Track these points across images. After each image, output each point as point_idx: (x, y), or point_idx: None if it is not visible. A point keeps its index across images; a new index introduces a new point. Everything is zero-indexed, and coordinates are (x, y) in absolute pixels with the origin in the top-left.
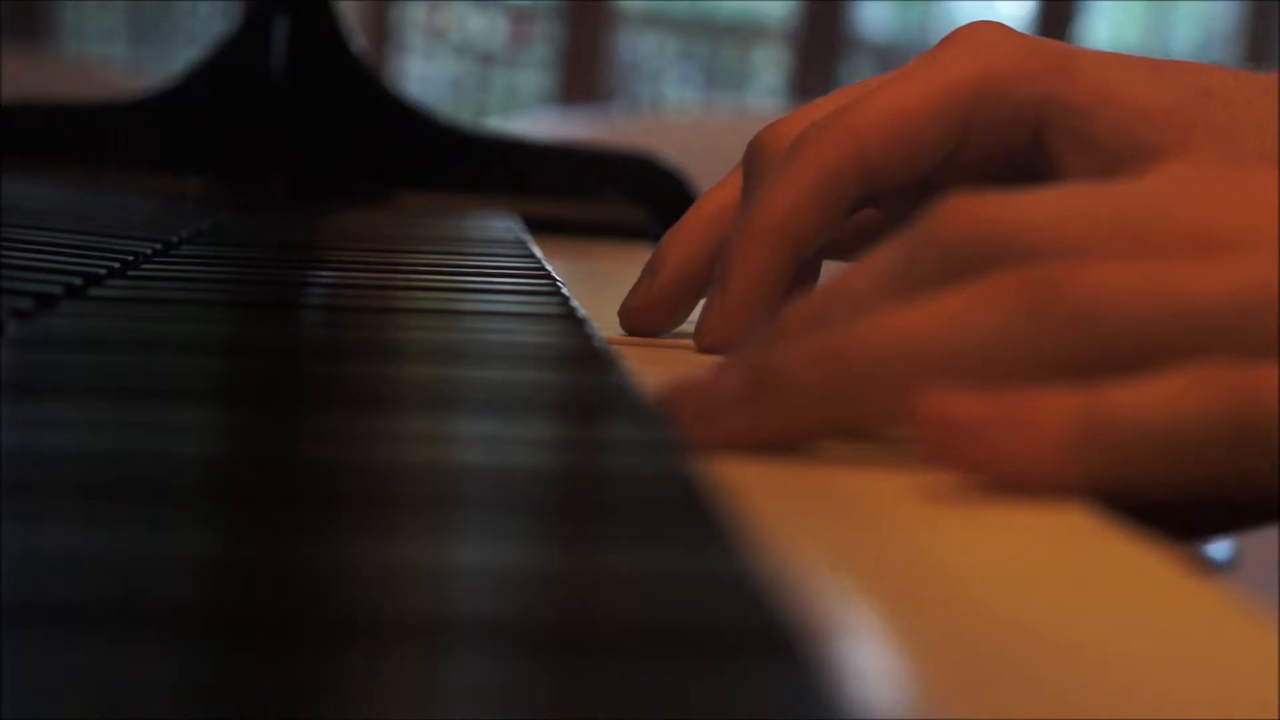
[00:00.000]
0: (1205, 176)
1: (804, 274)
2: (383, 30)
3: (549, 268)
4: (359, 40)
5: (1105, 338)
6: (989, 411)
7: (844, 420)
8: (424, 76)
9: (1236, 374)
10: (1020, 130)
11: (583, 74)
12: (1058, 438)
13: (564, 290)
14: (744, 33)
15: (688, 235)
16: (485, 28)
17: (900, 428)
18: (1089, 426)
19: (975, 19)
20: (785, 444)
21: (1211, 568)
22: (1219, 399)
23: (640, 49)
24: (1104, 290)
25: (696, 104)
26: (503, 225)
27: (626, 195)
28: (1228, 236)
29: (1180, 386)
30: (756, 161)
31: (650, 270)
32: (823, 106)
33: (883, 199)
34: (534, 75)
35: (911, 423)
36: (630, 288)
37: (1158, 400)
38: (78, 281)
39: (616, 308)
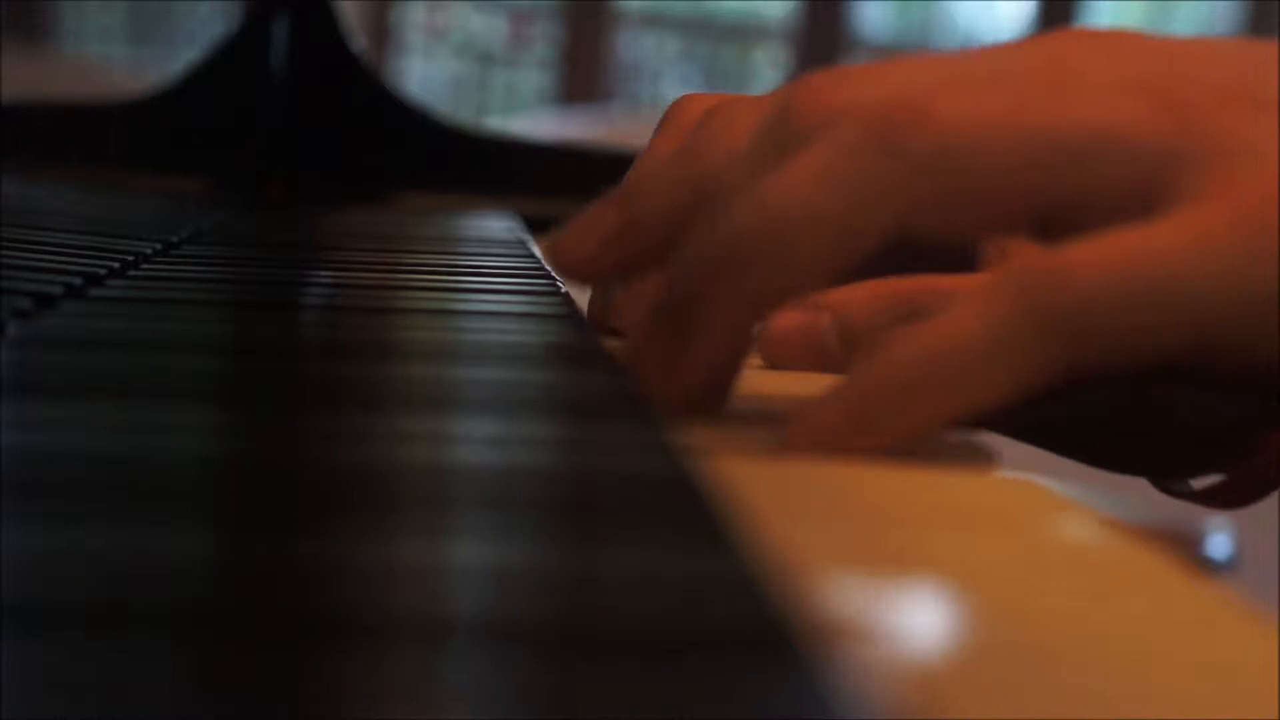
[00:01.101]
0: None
1: None
2: (383, 30)
3: (549, 268)
4: (359, 40)
5: (968, 172)
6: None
7: (748, 309)
8: (424, 76)
9: (1035, 263)
10: None
11: (583, 74)
12: (1007, 309)
13: (564, 290)
14: (744, 33)
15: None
16: (485, 28)
17: (793, 294)
18: (1035, 291)
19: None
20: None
21: (1211, 568)
22: (1015, 301)
23: (640, 49)
24: (963, 118)
25: None
26: (503, 225)
27: None
28: (1077, 70)
29: (979, 302)
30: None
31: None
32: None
33: None
34: (534, 75)
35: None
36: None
37: (961, 325)
38: (78, 281)
39: None
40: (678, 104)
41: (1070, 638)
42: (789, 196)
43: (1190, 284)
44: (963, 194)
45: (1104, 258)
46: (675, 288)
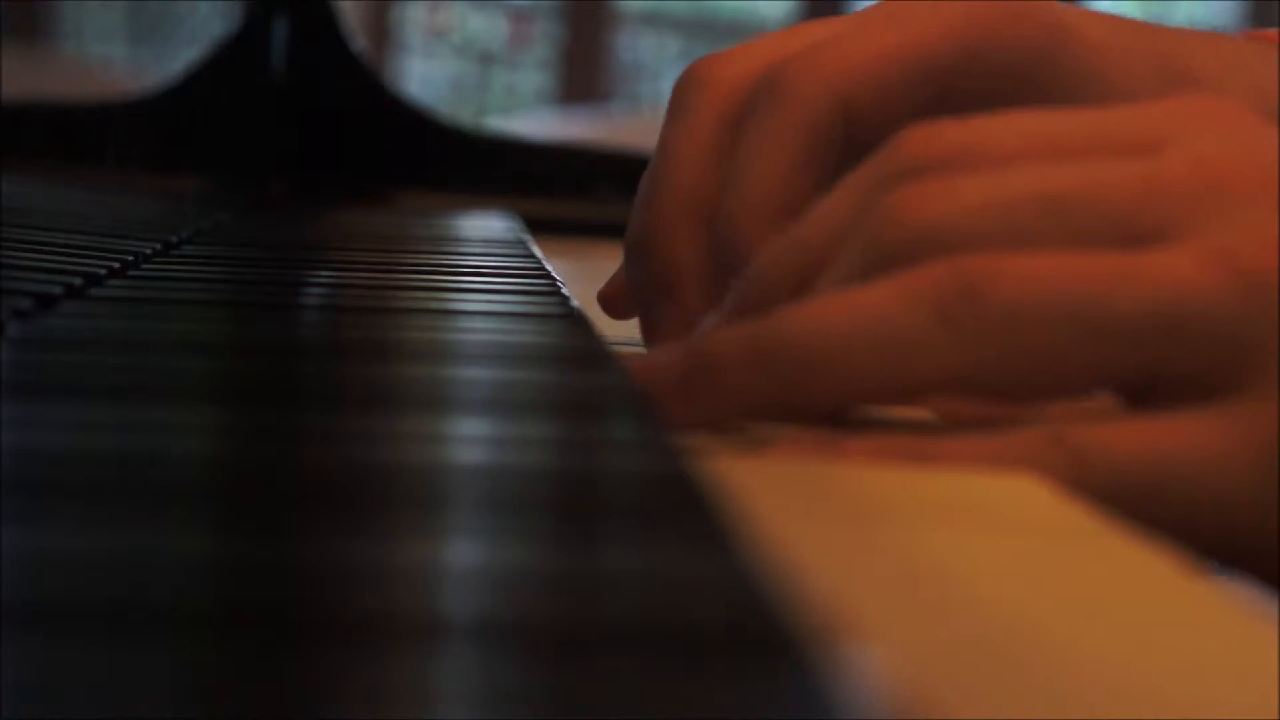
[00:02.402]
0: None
1: None
2: (383, 30)
3: (549, 268)
4: (359, 40)
5: (1026, 352)
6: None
7: (775, 408)
8: (424, 76)
9: (1064, 438)
10: (1002, 91)
11: (583, 74)
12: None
13: (564, 290)
14: (744, 33)
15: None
16: (485, 28)
17: (834, 417)
18: (1072, 460)
19: None
20: (724, 426)
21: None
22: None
23: (640, 49)
24: (1027, 290)
25: None
26: (503, 225)
27: (626, 195)
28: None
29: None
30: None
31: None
32: (773, 45)
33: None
34: (534, 75)
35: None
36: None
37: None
38: (78, 281)
39: None
40: (691, 76)
41: (1070, 637)
42: (842, 321)
43: (1230, 494)
44: (1023, 362)
45: (1149, 444)
46: (703, 351)
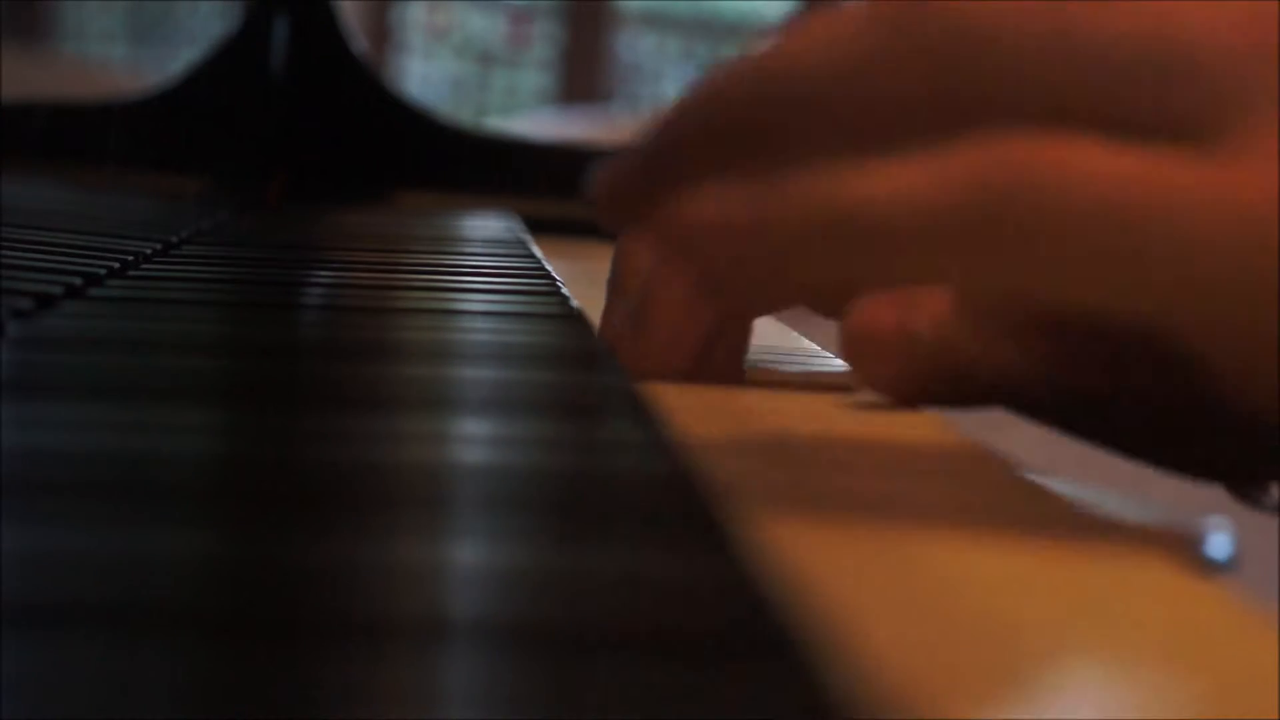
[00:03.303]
0: None
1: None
2: (383, 30)
3: (549, 268)
4: (359, 40)
5: (980, 56)
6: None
7: (772, 294)
8: (424, 76)
9: (1013, 148)
10: None
11: (583, 74)
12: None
13: (564, 290)
14: (744, 33)
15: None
16: (485, 28)
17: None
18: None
19: None
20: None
21: (1211, 568)
22: (971, 180)
23: (640, 49)
24: (1071, 175)
25: None
26: (503, 225)
27: None
28: None
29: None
30: None
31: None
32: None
33: None
34: (534, 75)
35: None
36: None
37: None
38: (78, 281)
39: None
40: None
41: (1069, 637)
42: (858, 210)
43: (1197, 243)
44: (972, 79)
45: (1124, 173)
46: (759, 229)
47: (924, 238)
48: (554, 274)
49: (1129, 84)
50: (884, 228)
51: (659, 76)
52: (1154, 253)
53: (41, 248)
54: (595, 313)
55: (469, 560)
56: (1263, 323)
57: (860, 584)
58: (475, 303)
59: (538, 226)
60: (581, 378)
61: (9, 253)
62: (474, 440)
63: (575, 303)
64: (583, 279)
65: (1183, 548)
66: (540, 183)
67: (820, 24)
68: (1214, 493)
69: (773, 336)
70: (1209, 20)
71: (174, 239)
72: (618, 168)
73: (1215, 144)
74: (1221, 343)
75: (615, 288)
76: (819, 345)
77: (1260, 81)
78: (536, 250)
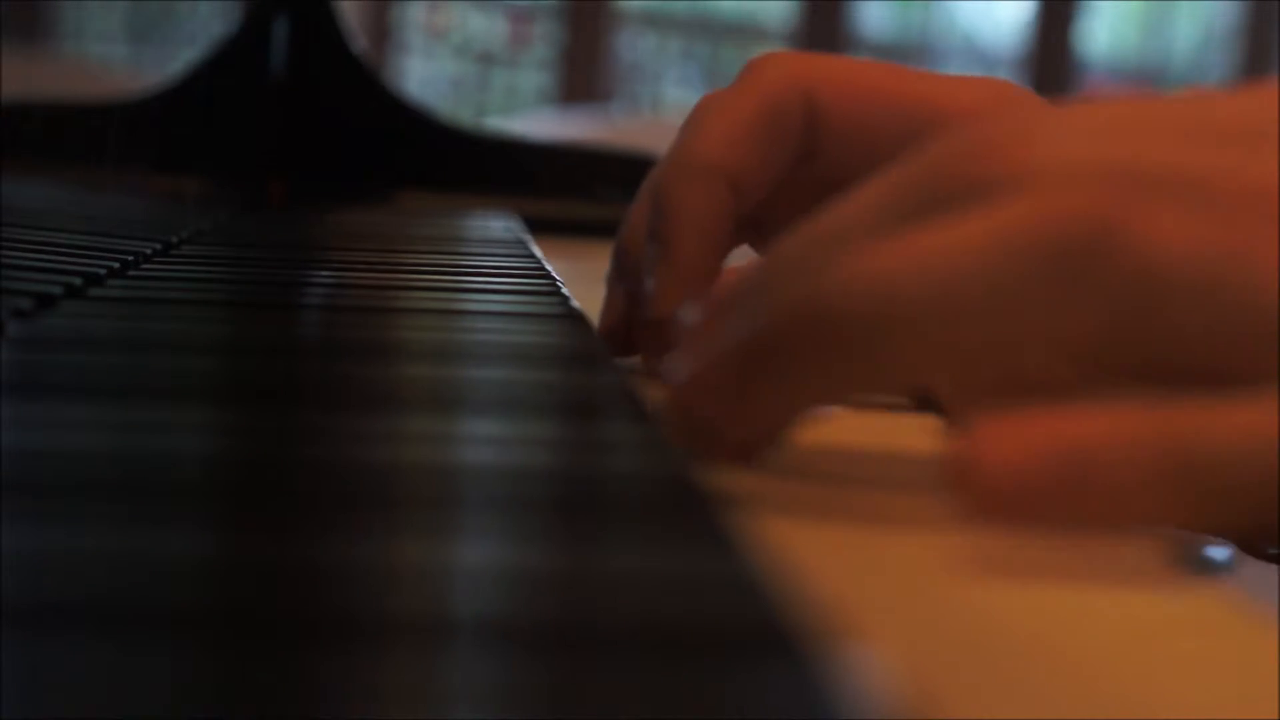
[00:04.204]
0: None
1: None
2: (383, 30)
3: (549, 268)
4: (359, 40)
5: (1164, 310)
6: (1038, 455)
7: (850, 383)
8: (424, 76)
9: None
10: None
11: (583, 74)
12: (1146, 466)
13: (564, 290)
14: (744, 33)
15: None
16: (485, 28)
17: (896, 390)
18: (1181, 454)
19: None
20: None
21: (1211, 568)
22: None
23: (640, 49)
24: (1172, 245)
25: None
26: (503, 225)
27: (626, 195)
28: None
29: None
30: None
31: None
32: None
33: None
34: (534, 75)
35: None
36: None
37: (1253, 426)
38: (78, 281)
39: None
40: (757, 64)
41: (1070, 637)
42: (914, 279)
43: None
44: (1143, 337)
45: (1253, 428)
46: (758, 332)
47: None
48: (554, 274)
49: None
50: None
51: (659, 76)
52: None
53: (41, 248)
54: (595, 313)
55: (469, 560)
56: None
57: (861, 583)
58: (475, 303)
59: (538, 226)
60: (581, 378)
61: (9, 253)
62: (474, 440)
63: (575, 303)
64: (583, 279)
65: (1183, 548)
66: (540, 183)
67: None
68: None
69: None
70: None
71: (174, 239)
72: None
73: None
74: None
75: (616, 271)
76: None
77: None
78: (536, 250)
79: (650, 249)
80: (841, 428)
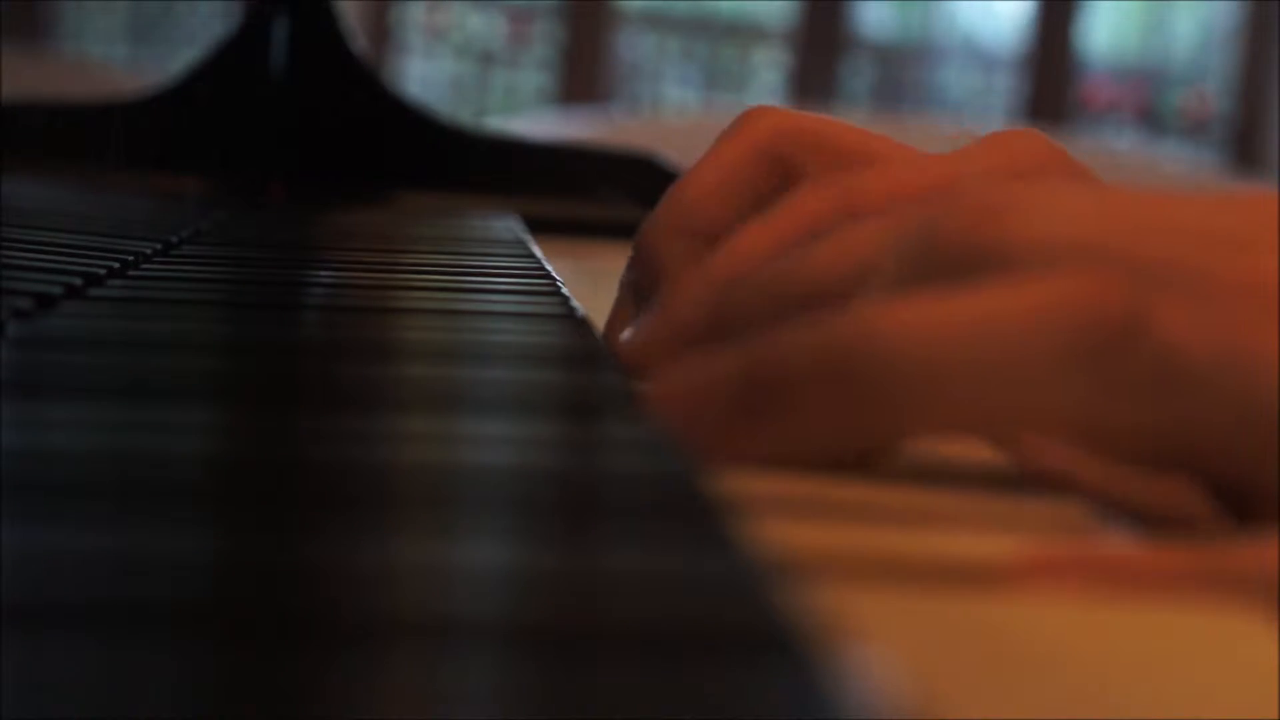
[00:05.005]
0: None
1: None
2: (383, 30)
3: (549, 268)
4: (359, 40)
5: (1183, 401)
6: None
7: (854, 434)
8: (424, 76)
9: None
10: None
11: (583, 74)
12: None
13: (564, 290)
14: (744, 33)
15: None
16: (485, 28)
17: (920, 442)
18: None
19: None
20: (787, 459)
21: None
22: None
23: (640, 49)
24: (1193, 338)
25: (696, 104)
26: (503, 225)
27: (626, 195)
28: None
29: None
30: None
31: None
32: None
33: None
34: (534, 75)
35: (936, 444)
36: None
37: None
38: (78, 281)
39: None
40: (751, 115)
41: (1070, 637)
42: (951, 332)
43: None
44: (1161, 427)
45: None
46: (765, 362)
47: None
48: (554, 274)
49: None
50: None
51: (659, 76)
52: None
53: (41, 248)
54: (595, 313)
55: (469, 560)
56: None
57: (862, 583)
58: (475, 303)
59: (538, 226)
60: (581, 378)
61: (9, 253)
62: (474, 440)
63: (575, 303)
64: (583, 279)
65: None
66: (540, 183)
67: (989, 307)
68: None
69: None
70: None
71: (174, 239)
72: (659, 328)
73: None
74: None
75: (636, 286)
76: None
77: None
78: (536, 250)
79: (634, 302)
80: None
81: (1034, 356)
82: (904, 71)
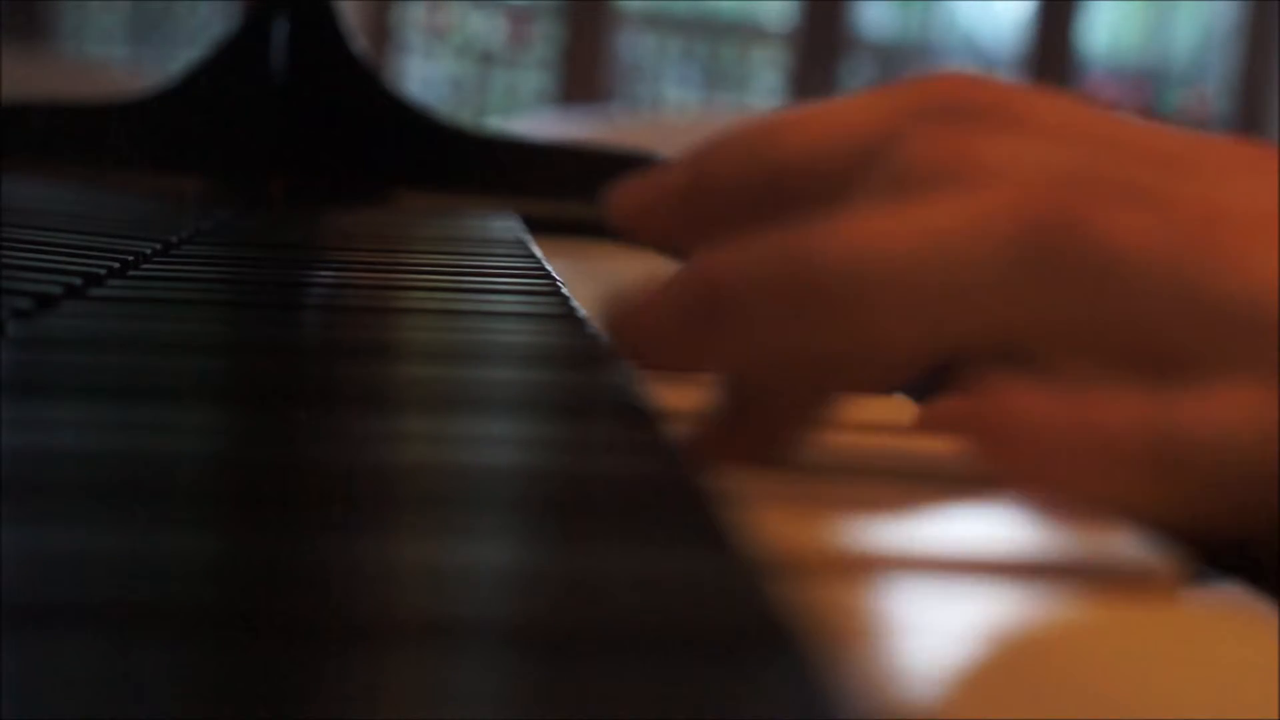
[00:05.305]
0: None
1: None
2: (383, 30)
3: (549, 268)
4: (359, 40)
5: (1127, 298)
6: (1058, 414)
7: (800, 352)
8: (424, 76)
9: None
10: None
11: (583, 74)
12: (1129, 453)
13: (564, 290)
14: (744, 33)
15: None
16: (485, 28)
17: (863, 360)
18: (1161, 443)
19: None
20: (736, 377)
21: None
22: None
23: (640, 49)
24: (1134, 240)
25: (696, 104)
26: (503, 225)
27: None
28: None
29: (1252, 398)
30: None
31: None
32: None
33: None
34: (534, 75)
35: (884, 361)
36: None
37: (1232, 413)
38: (78, 281)
39: None
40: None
41: (1070, 637)
42: (899, 245)
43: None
44: (1107, 326)
45: (1220, 418)
46: (726, 269)
47: None
48: (554, 274)
49: (1229, 345)
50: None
51: (659, 76)
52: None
53: (41, 248)
54: (595, 313)
55: (469, 560)
56: None
57: (862, 582)
58: (475, 303)
59: (538, 226)
60: (581, 378)
61: (9, 253)
62: (474, 440)
63: (575, 303)
64: (583, 279)
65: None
66: (540, 183)
67: (927, 220)
68: None
69: None
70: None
71: (174, 239)
72: (648, 186)
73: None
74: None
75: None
76: None
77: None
78: (536, 250)
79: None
80: (840, 427)
81: (977, 261)
82: (904, 71)
